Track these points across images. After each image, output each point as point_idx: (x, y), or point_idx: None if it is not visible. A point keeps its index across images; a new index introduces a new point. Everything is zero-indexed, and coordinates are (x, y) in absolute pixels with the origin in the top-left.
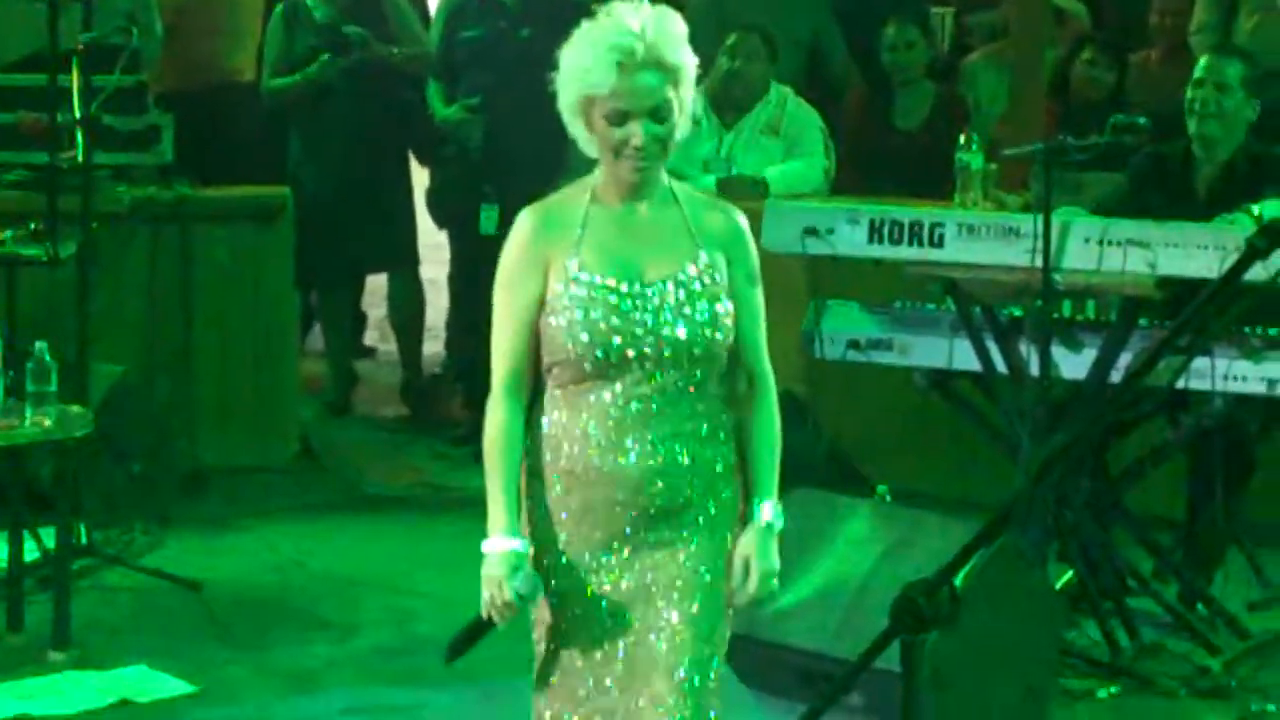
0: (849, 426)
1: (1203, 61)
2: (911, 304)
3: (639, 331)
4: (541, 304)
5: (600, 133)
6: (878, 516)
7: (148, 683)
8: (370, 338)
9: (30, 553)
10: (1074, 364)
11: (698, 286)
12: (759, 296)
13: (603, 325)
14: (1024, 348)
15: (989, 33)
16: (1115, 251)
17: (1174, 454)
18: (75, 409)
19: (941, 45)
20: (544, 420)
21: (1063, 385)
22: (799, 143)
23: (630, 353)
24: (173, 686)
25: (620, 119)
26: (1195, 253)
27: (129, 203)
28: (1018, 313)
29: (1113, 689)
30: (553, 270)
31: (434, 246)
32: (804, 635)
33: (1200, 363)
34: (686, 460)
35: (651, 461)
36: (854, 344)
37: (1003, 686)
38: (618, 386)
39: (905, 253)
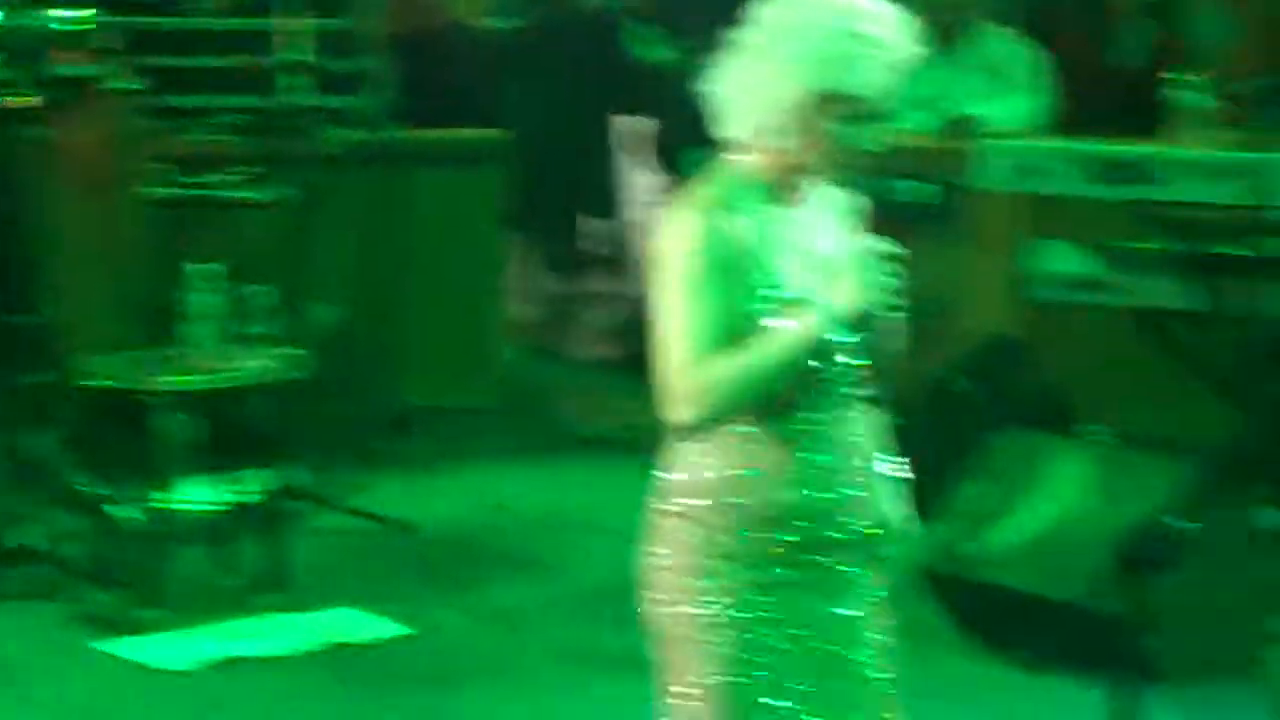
0: (1065, 367)
1: None
2: (1128, 243)
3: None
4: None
5: (822, 130)
6: (1092, 458)
7: (359, 625)
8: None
9: (246, 495)
10: None
11: None
12: None
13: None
14: (1237, 286)
15: None
16: None
17: None
18: (294, 351)
19: None
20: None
21: (1275, 323)
22: (1013, 80)
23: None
24: (384, 629)
25: (863, 120)
26: None
27: (341, 146)
28: (1237, 252)
29: None
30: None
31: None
32: (1019, 577)
33: None
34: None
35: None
36: (1069, 284)
37: (1231, 630)
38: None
39: (1122, 191)
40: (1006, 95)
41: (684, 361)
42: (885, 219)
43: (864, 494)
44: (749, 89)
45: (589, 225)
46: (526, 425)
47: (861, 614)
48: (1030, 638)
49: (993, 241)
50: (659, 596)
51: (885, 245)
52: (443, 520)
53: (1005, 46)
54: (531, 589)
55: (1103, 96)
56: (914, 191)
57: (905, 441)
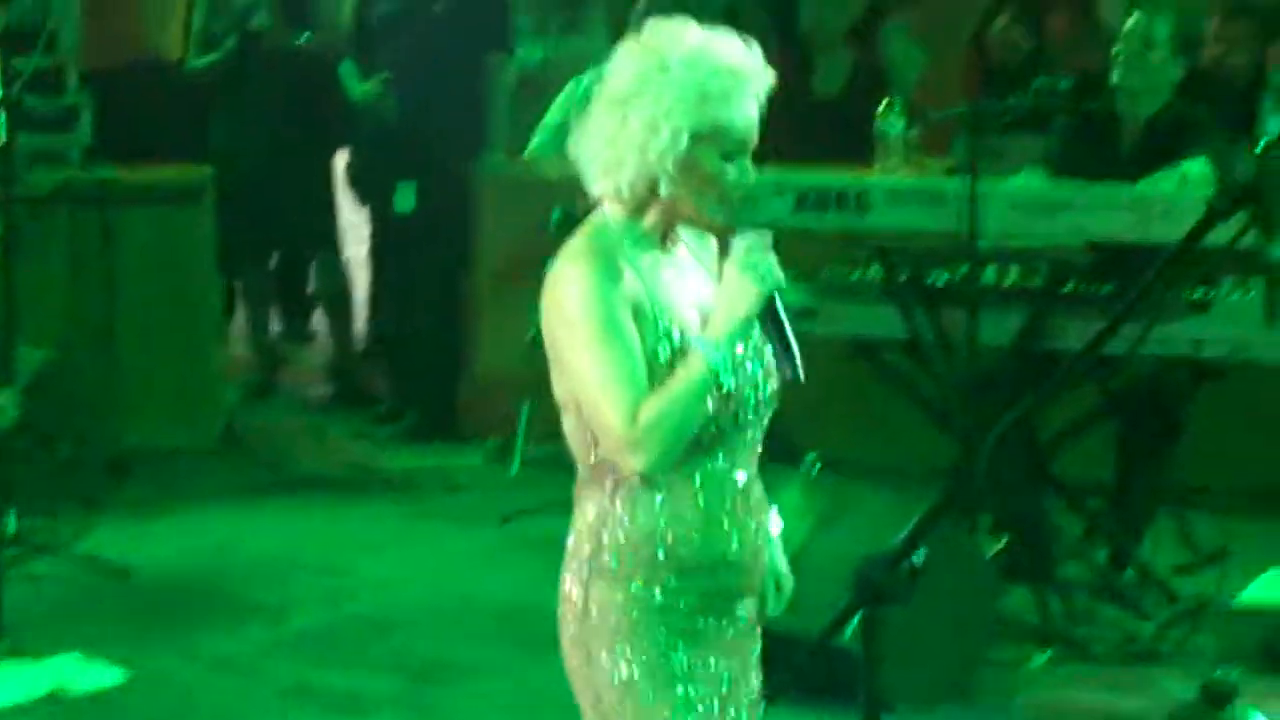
0: (781, 398)
1: (1134, 16)
2: (838, 272)
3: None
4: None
5: (705, 170)
6: (808, 487)
7: (79, 672)
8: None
9: None
10: (1000, 329)
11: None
12: None
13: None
14: (950, 314)
15: None
16: (1041, 215)
17: (1102, 419)
18: (1, 394)
19: (858, 10)
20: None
21: (989, 352)
22: None
23: (740, 417)
24: (105, 675)
25: (738, 154)
26: (1121, 215)
27: (50, 186)
28: (945, 279)
29: (1045, 655)
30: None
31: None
32: None
33: (1126, 326)
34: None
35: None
36: None
37: (941, 656)
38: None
39: (831, 221)
40: None
41: (623, 411)
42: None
43: (760, 546)
44: (622, 139)
45: (306, 263)
46: (247, 466)
47: (752, 669)
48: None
49: None
50: (581, 657)
51: (758, 238)
52: (164, 564)
53: None
54: (256, 631)
55: (809, 126)
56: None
57: None
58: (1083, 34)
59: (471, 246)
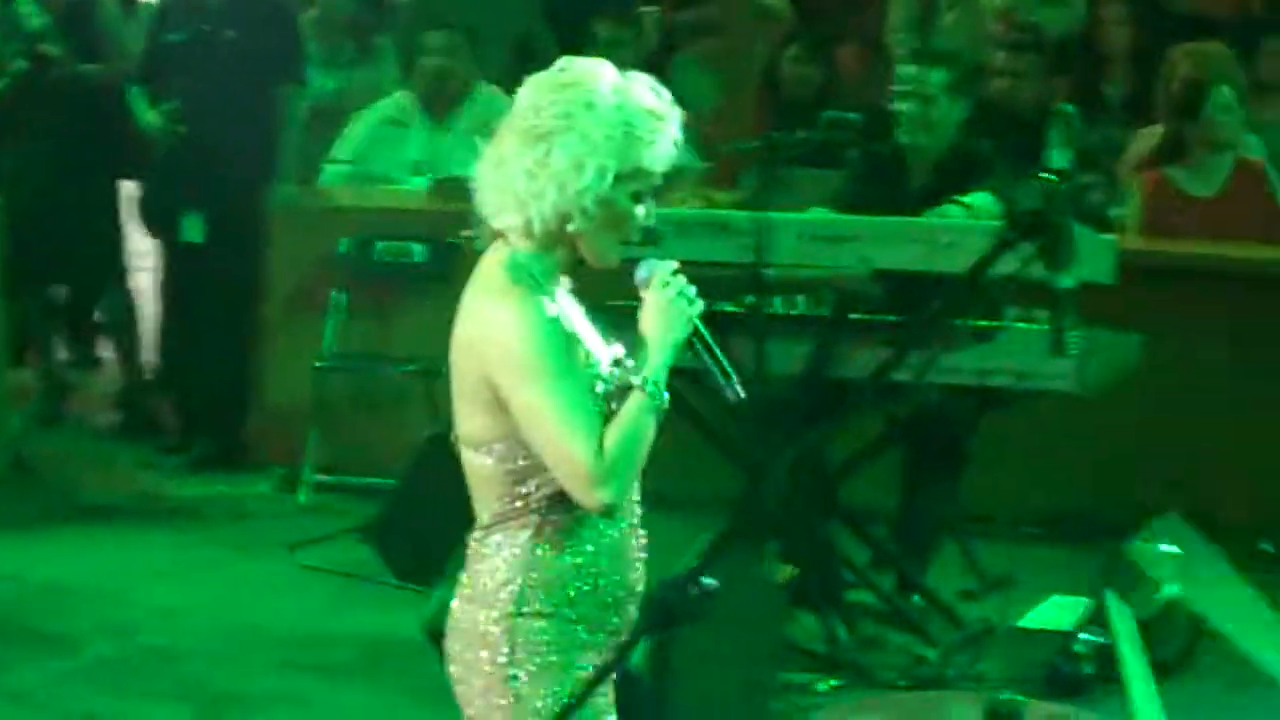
0: None
1: (906, 72)
2: (624, 303)
3: None
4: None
5: (619, 209)
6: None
7: None
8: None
9: None
10: (787, 359)
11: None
12: None
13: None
14: (738, 344)
15: (696, 31)
16: (827, 246)
17: (889, 447)
18: None
19: (650, 43)
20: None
21: (777, 380)
22: None
23: None
24: None
25: (647, 197)
26: (907, 245)
27: None
28: (731, 309)
29: (833, 681)
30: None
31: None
32: None
33: (913, 355)
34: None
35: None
36: None
37: (727, 681)
38: None
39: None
40: None
41: (590, 446)
42: (372, 279)
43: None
44: (543, 174)
45: (93, 291)
46: (35, 494)
47: None
48: None
49: None
50: (507, 694)
51: (665, 266)
52: None
53: (502, 108)
54: (45, 661)
55: None
56: (401, 252)
57: (405, 503)
58: (873, 67)
59: (261, 276)
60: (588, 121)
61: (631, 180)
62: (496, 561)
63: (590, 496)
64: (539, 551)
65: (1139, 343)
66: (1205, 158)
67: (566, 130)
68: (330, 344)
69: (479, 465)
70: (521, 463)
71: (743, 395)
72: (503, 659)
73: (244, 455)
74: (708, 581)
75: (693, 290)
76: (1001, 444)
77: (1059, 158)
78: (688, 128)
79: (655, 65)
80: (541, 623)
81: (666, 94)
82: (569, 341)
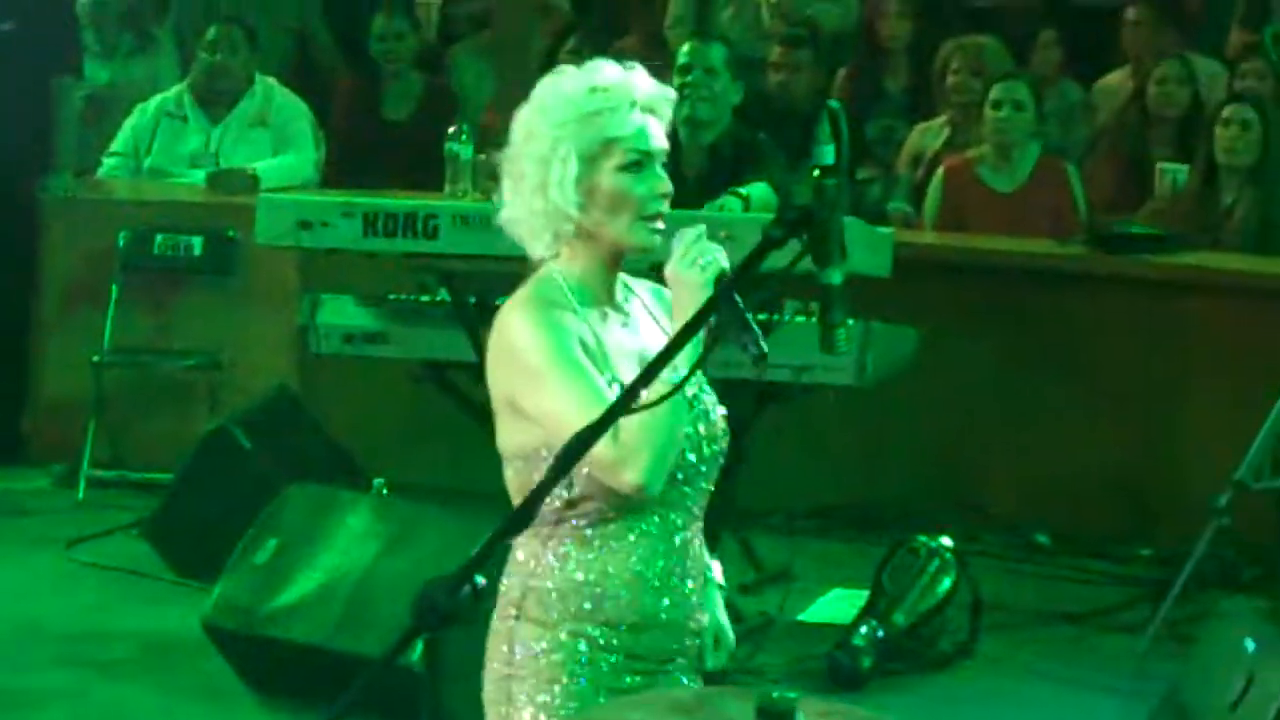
0: (346, 421)
1: (686, 48)
2: (406, 296)
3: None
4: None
5: (609, 188)
6: (377, 510)
7: None
8: None
9: None
10: None
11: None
12: None
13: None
14: None
15: (474, 23)
16: None
17: None
18: None
19: (428, 35)
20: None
21: None
22: (288, 135)
23: (679, 474)
24: None
25: (639, 166)
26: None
27: None
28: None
29: None
30: None
31: None
32: (304, 631)
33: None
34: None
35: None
36: (349, 338)
37: None
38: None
39: (400, 245)
40: (282, 150)
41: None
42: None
43: (696, 607)
44: (525, 189)
45: None
46: None
47: None
48: (327, 690)
49: (272, 295)
50: (501, 695)
51: (692, 231)
52: None
53: (281, 102)
54: None
55: (379, 150)
56: (179, 245)
57: (185, 498)
58: (653, 57)
59: (36, 269)
60: (541, 124)
61: (606, 156)
62: (513, 566)
63: (619, 480)
64: (545, 562)
65: (915, 336)
66: (1008, 152)
67: (528, 141)
68: (109, 338)
69: (508, 477)
70: (536, 477)
71: (765, 350)
72: (501, 660)
73: (21, 451)
74: (480, 580)
75: (713, 251)
76: (778, 437)
77: (827, 153)
78: (466, 120)
79: (433, 57)
80: (538, 629)
81: (630, 66)
82: (578, 341)
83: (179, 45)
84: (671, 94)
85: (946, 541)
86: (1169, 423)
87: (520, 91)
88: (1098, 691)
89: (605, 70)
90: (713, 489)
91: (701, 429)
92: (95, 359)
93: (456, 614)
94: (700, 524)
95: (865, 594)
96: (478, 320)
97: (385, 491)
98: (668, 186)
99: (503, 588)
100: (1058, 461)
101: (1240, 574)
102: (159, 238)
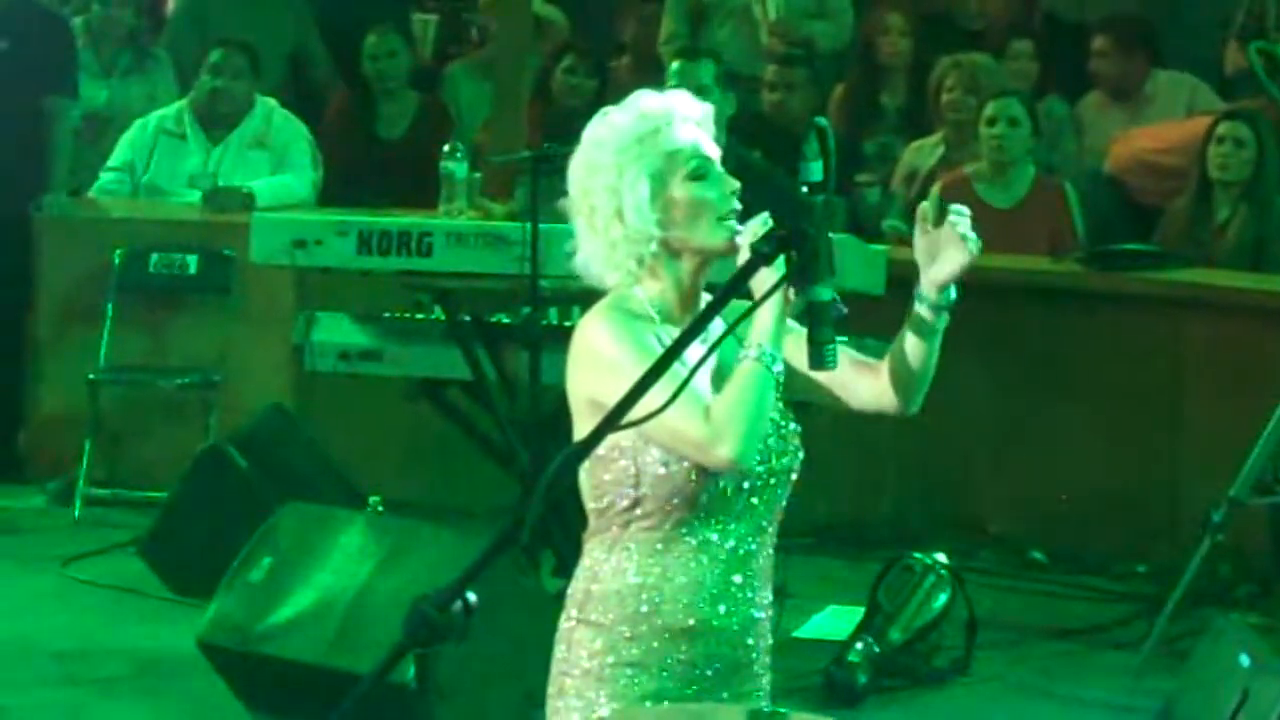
0: (341, 438)
1: (675, 66)
2: (401, 314)
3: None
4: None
5: (683, 197)
6: (371, 528)
7: None
8: None
9: None
10: (562, 370)
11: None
12: None
13: None
14: (514, 355)
15: (470, 41)
16: None
17: None
18: None
19: (424, 53)
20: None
21: (553, 392)
22: (286, 155)
23: (746, 484)
24: None
25: (704, 172)
26: None
27: None
28: (506, 320)
29: None
30: None
31: None
32: (299, 648)
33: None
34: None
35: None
36: (344, 355)
37: (502, 692)
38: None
39: (394, 263)
40: (279, 169)
41: (695, 412)
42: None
43: (758, 620)
44: (599, 222)
45: None
46: None
47: None
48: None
49: (268, 314)
50: (555, 687)
51: (758, 220)
52: None
53: (280, 123)
54: None
55: (374, 168)
56: (175, 264)
57: (180, 517)
58: (647, 79)
59: (32, 288)
60: (602, 156)
61: (672, 170)
62: (580, 569)
63: (712, 457)
64: (608, 563)
65: None
66: (1004, 169)
67: (591, 176)
68: (105, 356)
69: (580, 478)
70: (605, 477)
71: (845, 311)
72: (559, 659)
73: (17, 469)
74: (470, 596)
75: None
76: None
77: (814, 170)
78: (461, 139)
79: (428, 75)
80: (593, 631)
81: (668, 90)
82: (654, 338)
83: (175, 65)
84: (710, 108)
85: (942, 558)
86: (1164, 439)
87: (515, 111)
88: (1093, 707)
89: (646, 98)
90: (784, 506)
91: (772, 442)
92: (91, 377)
93: (448, 630)
94: (771, 540)
95: (861, 610)
96: (473, 338)
97: (380, 509)
98: (735, 182)
99: (570, 590)
100: (1053, 478)
101: (1235, 590)
102: (155, 256)
